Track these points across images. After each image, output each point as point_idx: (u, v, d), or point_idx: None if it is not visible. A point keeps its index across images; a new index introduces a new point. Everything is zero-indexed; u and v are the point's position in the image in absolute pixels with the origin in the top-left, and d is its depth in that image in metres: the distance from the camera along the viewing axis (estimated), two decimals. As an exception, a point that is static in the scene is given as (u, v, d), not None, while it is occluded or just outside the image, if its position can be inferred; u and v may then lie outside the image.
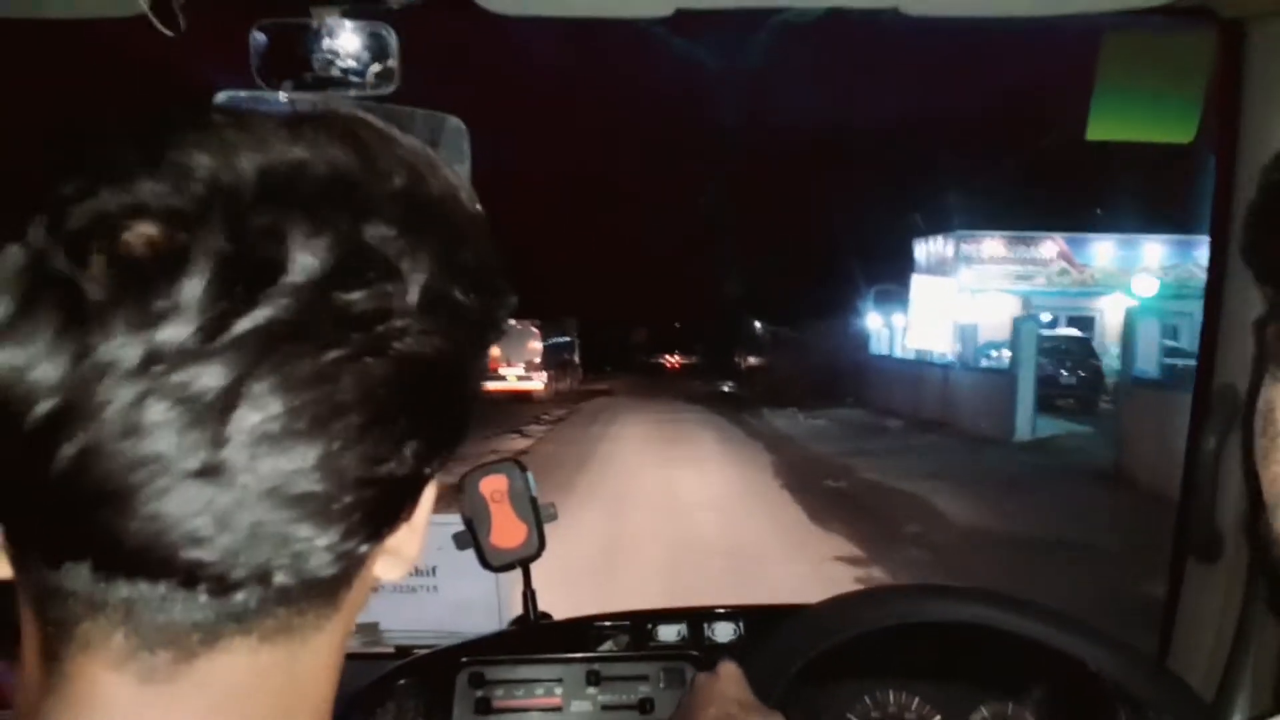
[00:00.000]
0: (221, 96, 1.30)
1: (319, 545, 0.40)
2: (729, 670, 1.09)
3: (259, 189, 0.39)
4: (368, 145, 0.43)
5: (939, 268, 25.42)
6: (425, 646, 1.39)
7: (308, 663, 0.45)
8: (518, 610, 1.45)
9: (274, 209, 0.39)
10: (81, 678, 0.41)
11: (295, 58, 1.26)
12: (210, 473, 0.37)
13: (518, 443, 15.68)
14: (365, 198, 0.41)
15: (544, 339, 26.34)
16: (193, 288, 0.37)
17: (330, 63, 1.26)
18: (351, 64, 1.27)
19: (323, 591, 0.44)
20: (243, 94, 1.30)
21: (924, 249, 27.34)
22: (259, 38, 1.26)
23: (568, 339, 32.68)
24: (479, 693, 1.27)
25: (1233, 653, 1.24)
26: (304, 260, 0.38)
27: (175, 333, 0.36)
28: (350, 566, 0.43)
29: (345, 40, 1.26)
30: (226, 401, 0.37)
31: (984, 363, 21.00)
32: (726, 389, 37.46)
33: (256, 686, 0.43)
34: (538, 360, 25.92)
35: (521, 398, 24.21)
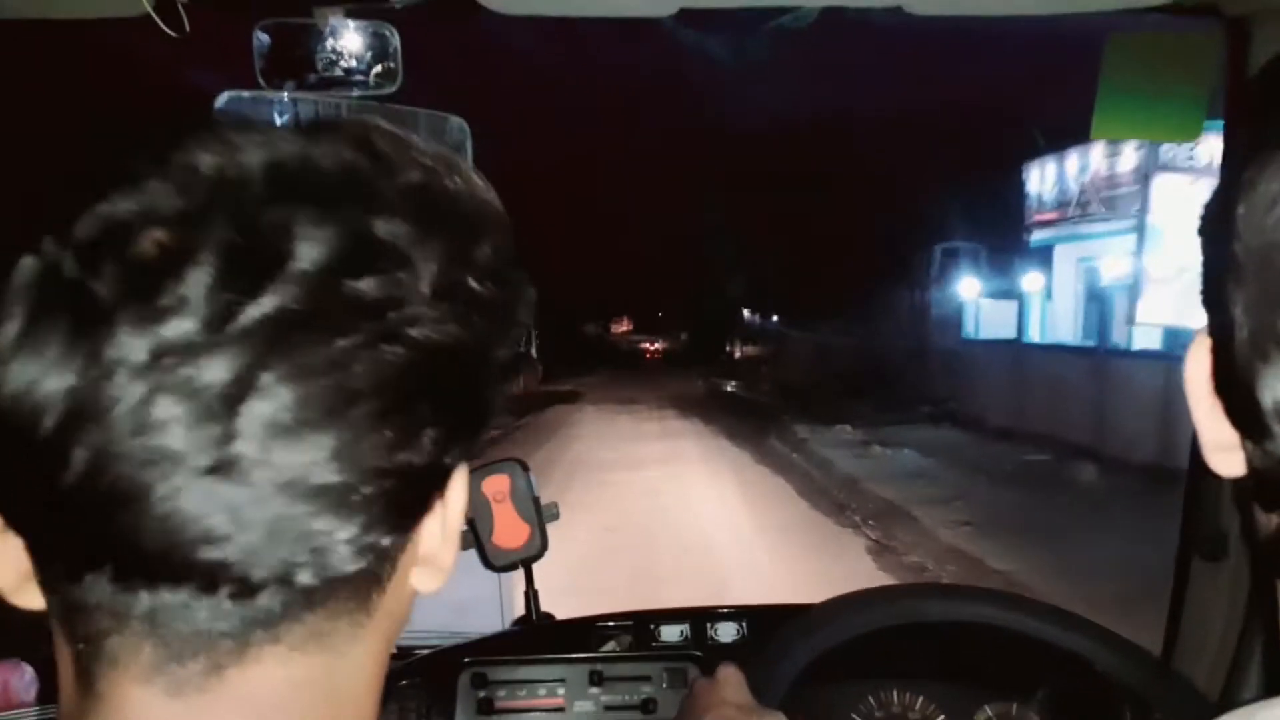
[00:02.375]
0: (224, 96, 1.30)
1: (340, 539, 0.39)
2: (728, 674, 1.08)
3: (266, 183, 0.39)
4: (381, 148, 0.43)
5: (1093, 197, 14.43)
6: (427, 647, 1.39)
7: (346, 675, 0.44)
8: (520, 610, 1.45)
9: (281, 201, 0.39)
10: (113, 696, 0.40)
11: (298, 58, 1.26)
12: (224, 468, 0.37)
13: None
14: (375, 192, 0.41)
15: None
16: (198, 280, 0.36)
17: (333, 63, 1.27)
18: (354, 64, 1.27)
19: (351, 594, 0.42)
20: (246, 94, 1.30)
21: (1050, 172, 16.42)
22: (262, 38, 1.26)
23: (518, 329, 28.78)
24: (481, 693, 1.27)
25: (1238, 652, 1.23)
26: (311, 249, 0.38)
27: (181, 326, 0.36)
28: (375, 563, 0.42)
29: (348, 40, 1.26)
30: (236, 393, 0.36)
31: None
32: (730, 388, 29.61)
33: (291, 700, 0.42)
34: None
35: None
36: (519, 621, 1.45)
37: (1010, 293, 17.91)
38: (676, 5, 1.14)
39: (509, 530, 1.34)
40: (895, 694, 1.30)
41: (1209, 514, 1.21)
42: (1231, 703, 1.20)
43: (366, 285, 0.39)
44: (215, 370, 0.36)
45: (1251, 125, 0.47)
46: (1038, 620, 1.18)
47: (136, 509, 0.36)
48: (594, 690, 1.28)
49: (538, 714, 1.27)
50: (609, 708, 1.28)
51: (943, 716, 1.29)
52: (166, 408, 0.36)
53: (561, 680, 1.29)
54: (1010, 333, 17.43)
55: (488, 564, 1.36)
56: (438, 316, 0.40)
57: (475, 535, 1.34)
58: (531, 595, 1.42)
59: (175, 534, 0.37)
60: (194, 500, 0.37)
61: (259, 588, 0.39)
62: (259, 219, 0.38)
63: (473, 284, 0.42)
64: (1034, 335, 16.92)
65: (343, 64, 1.27)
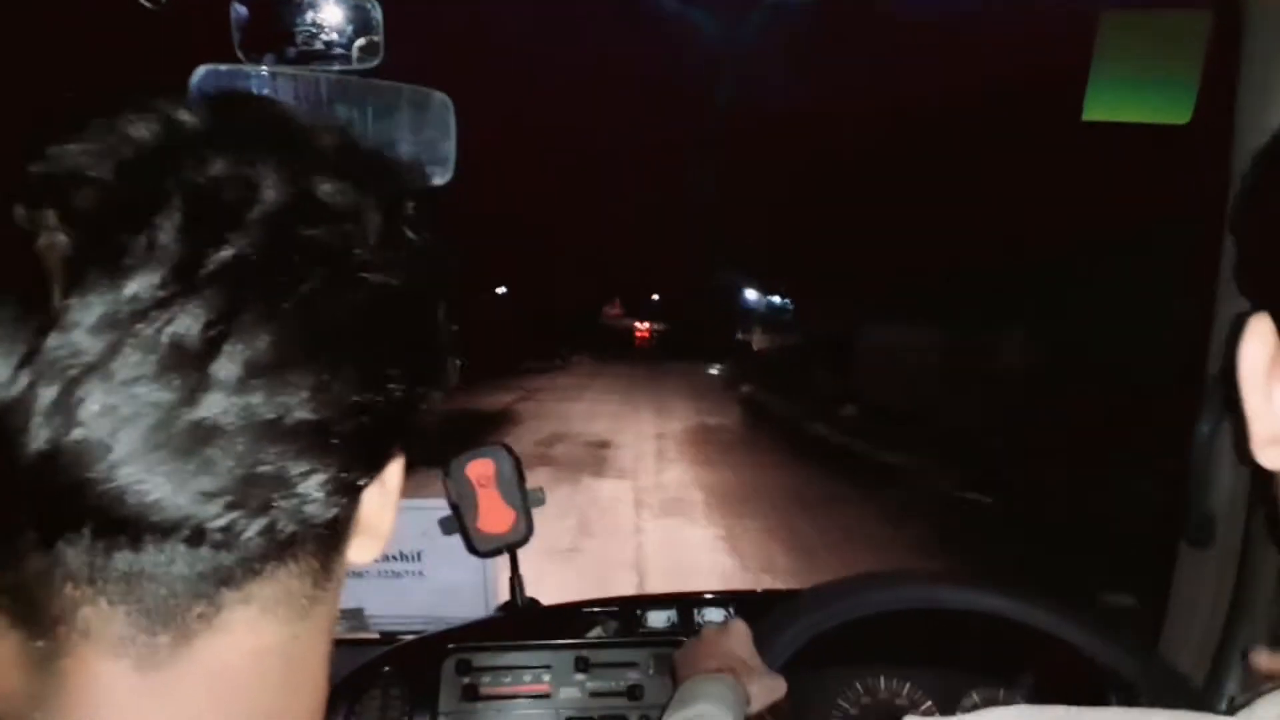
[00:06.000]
0: (202, 70, 1.27)
1: (316, 480, 0.40)
2: (738, 627, 1.10)
3: (210, 139, 0.41)
4: (290, 117, 0.45)
5: None
6: (411, 633, 1.38)
7: (305, 643, 0.45)
8: (505, 596, 1.44)
9: (230, 157, 0.40)
10: (80, 673, 0.40)
11: (278, 31, 1.23)
12: (201, 415, 0.36)
13: None
14: (307, 154, 0.43)
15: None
16: (163, 230, 0.37)
17: (314, 36, 1.24)
18: (335, 37, 1.24)
19: (317, 549, 0.43)
20: (223, 67, 1.27)
21: None
22: (240, 10, 1.22)
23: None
24: (466, 679, 1.26)
25: (1224, 638, 1.24)
26: (267, 198, 0.39)
27: (148, 278, 0.36)
28: (346, 510, 0.43)
29: (329, 13, 1.23)
30: (210, 341, 0.36)
31: None
32: (778, 407, 17.56)
33: (255, 671, 0.42)
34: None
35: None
36: (504, 607, 1.44)
37: None
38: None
39: (494, 515, 1.32)
40: (882, 680, 1.30)
41: (1197, 503, 1.20)
42: (1217, 688, 1.21)
43: (320, 233, 0.40)
44: (185, 319, 0.36)
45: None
46: (1026, 606, 1.18)
47: (112, 466, 0.36)
48: (580, 676, 1.27)
49: (523, 700, 1.26)
50: (595, 694, 1.27)
51: (929, 702, 1.29)
52: (135, 362, 0.36)
53: (547, 666, 1.28)
54: None
55: (472, 549, 1.34)
56: (386, 263, 0.42)
57: (460, 521, 1.33)
58: (516, 581, 1.41)
59: (157, 486, 0.36)
60: (172, 451, 0.36)
61: (239, 535, 0.39)
62: (213, 172, 0.39)
63: (410, 235, 0.45)
64: None
65: (323, 37, 1.24)
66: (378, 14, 1.24)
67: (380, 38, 1.24)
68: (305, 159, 0.42)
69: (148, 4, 1.16)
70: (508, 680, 1.27)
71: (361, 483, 0.43)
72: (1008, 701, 1.26)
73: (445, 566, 1.47)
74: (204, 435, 0.37)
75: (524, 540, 1.35)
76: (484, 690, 1.26)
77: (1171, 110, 1.31)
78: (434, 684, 1.25)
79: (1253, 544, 1.17)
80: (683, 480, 9.64)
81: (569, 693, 1.27)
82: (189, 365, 0.36)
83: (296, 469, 0.39)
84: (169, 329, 0.36)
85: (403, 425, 0.45)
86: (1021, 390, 11.68)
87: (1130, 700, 1.12)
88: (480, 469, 1.32)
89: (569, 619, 1.36)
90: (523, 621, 1.39)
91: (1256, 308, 0.50)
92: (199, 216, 0.37)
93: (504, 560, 1.40)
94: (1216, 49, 1.24)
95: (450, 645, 1.28)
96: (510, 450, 1.35)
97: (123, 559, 0.38)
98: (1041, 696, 1.24)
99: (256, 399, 0.37)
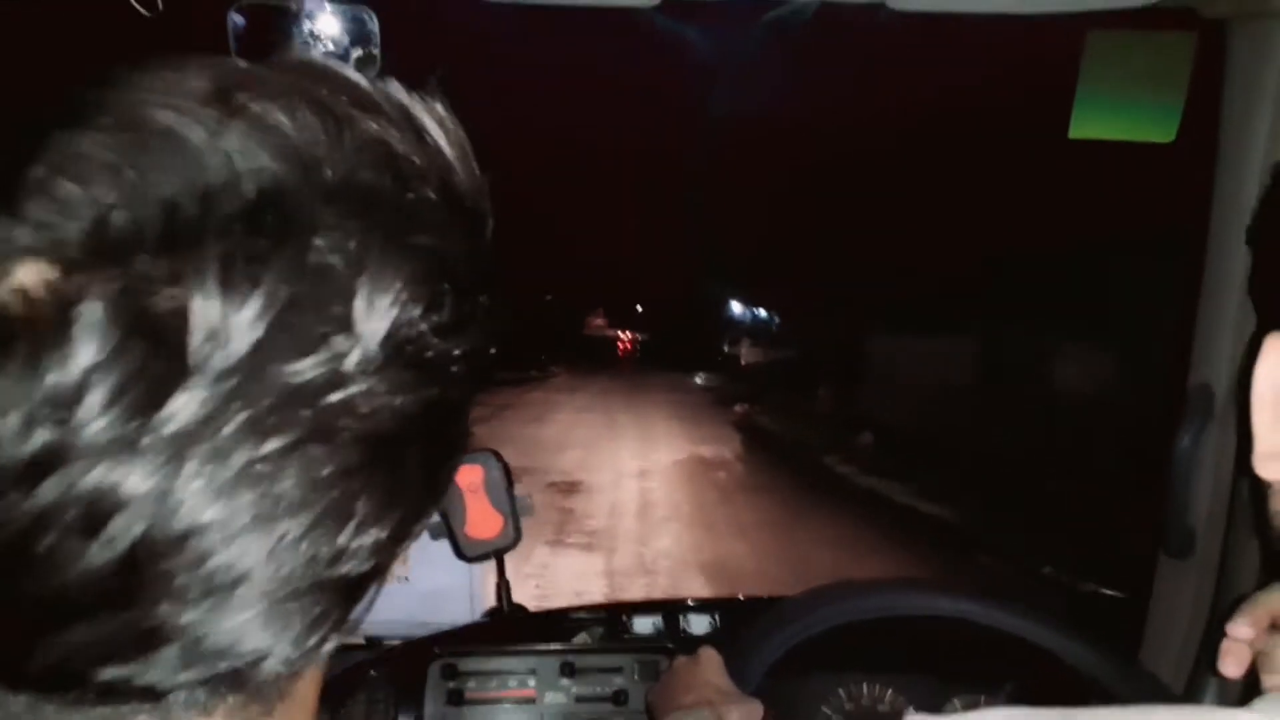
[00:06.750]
0: None
1: (270, 655, 0.35)
2: (709, 656, 1.09)
3: (163, 233, 0.31)
4: (333, 116, 0.35)
5: None
6: (397, 637, 1.38)
7: (288, 711, 0.40)
8: (491, 601, 1.45)
9: (184, 261, 0.31)
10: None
11: (275, 41, 1.24)
12: (132, 588, 0.32)
13: None
14: (311, 209, 0.33)
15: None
16: (87, 370, 0.30)
17: (310, 47, 1.25)
18: (332, 48, 1.25)
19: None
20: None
21: None
22: (237, 19, 1.24)
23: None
24: (451, 684, 1.26)
25: (1202, 648, 1.25)
26: (227, 333, 0.31)
27: (77, 429, 0.30)
28: (306, 663, 0.37)
29: (326, 23, 1.25)
30: (146, 508, 0.31)
31: None
32: (771, 425, 16.15)
33: None
34: None
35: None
36: (490, 612, 1.45)
37: None
38: (657, -5, 1.13)
39: (482, 521, 1.33)
40: (865, 686, 1.31)
41: (1178, 512, 1.22)
42: (1196, 697, 1.22)
43: (298, 368, 0.32)
44: (125, 482, 0.31)
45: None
46: (1008, 615, 1.19)
47: (24, 629, 0.32)
48: (565, 681, 1.28)
49: (509, 705, 1.27)
50: (580, 699, 1.28)
51: (911, 708, 1.30)
52: (61, 525, 0.30)
53: (533, 671, 1.28)
54: None
55: (460, 554, 1.35)
56: (385, 389, 0.34)
57: (447, 525, 1.34)
58: (503, 586, 1.42)
59: (69, 657, 0.32)
60: (95, 625, 0.32)
61: (164, 693, 0.35)
62: (156, 293, 0.30)
63: (428, 336, 0.35)
64: None
65: (320, 48, 1.25)
66: (375, 25, 1.25)
67: (377, 49, 1.26)
68: (308, 218, 0.33)
69: (144, 11, 1.17)
70: (493, 685, 1.27)
71: (325, 646, 0.37)
72: (990, 707, 1.27)
73: (432, 571, 1.48)
74: (132, 610, 0.32)
75: (511, 546, 1.36)
76: (469, 695, 1.26)
77: (1157, 129, 1.33)
78: (420, 688, 1.26)
79: (1232, 555, 1.19)
80: (676, 557, 6.96)
81: (554, 697, 1.28)
82: (119, 536, 0.31)
83: (242, 646, 0.34)
84: (107, 493, 0.31)
85: (381, 575, 0.39)
86: (1088, 419, 8.73)
87: None
88: (469, 475, 1.33)
89: (555, 625, 1.37)
90: (509, 627, 1.40)
91: (1275, 326, 0.52)
92: (138, 358, 0.30)
93: (491, 566, 1.40)
94: (1201, 69, 1.26)
95: (436, 650, 1.29)
96: (499, 456, 1.36)
97: (26, 699, 0.35)
98: (1022, 703, 1.25)
99: (195, 575, 0.32)
